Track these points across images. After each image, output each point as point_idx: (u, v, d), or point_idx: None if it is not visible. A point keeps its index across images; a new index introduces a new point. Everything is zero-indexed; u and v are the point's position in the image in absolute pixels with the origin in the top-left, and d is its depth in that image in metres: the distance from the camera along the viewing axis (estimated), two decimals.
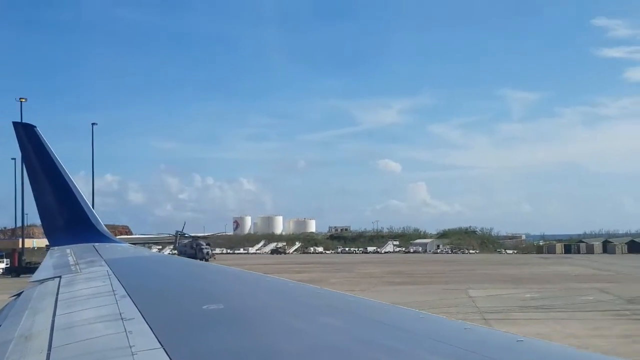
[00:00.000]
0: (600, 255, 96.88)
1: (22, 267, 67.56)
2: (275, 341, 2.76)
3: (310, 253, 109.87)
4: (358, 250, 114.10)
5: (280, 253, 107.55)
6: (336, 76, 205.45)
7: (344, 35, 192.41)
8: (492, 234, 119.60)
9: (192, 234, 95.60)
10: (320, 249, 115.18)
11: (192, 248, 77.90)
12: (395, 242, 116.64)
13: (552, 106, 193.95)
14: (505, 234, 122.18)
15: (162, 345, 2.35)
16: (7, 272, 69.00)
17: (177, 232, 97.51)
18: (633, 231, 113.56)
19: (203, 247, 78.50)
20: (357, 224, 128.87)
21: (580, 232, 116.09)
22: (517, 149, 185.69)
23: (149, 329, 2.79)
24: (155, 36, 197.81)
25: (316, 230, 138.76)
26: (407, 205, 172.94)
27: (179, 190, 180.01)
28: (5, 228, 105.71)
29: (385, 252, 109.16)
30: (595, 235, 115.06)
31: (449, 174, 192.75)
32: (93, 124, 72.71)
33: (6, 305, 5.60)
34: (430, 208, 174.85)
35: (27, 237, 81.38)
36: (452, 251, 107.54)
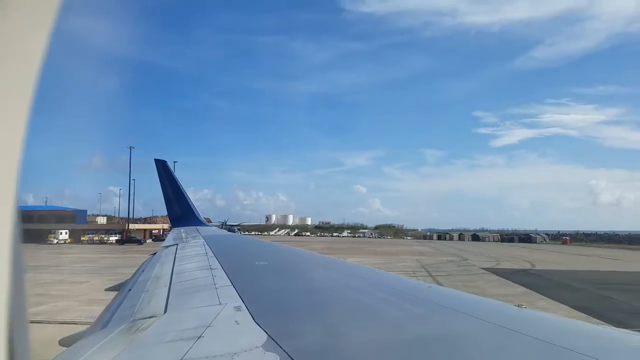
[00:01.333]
0: (460, 241, 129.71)
1: (126, 239, 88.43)
2: (311, 283, 3.81)
3: (302, 236, 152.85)
4: (329, 234, 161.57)
5: (289, 234, 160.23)
6: (333, 138, 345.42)
7: (337, 116, 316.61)
8: (403, 227, 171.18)
9: (233, 223, 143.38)
10: (308, 234, 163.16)
11: (228, 230, 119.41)
12: (348, 231, 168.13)
13: (450, 159, 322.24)
14: (411, 228, 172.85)
15: (231, 283, 3.37)
16: (118, 242, 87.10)
17: (223, 222, 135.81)
18: (493, 229, 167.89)
19: (232, 229, 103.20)
20: (337, 220, 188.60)
21: (461, 227, 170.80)
22: (430, 182, 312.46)
23: (225, 274, 3.93)
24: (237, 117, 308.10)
25: (311, 223, 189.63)
26: (369, 211, 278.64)
27: (243, 199, 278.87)
28: (119, 217, 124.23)
29: (342, 236, 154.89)
30: (469, 230, 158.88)
31: (392, 194, 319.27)
32: (175, 161, 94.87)
33: (147, 260, 6.98)
34: (381, 213, 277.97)
35: (131, 223, 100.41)
36: (377, 237, 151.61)
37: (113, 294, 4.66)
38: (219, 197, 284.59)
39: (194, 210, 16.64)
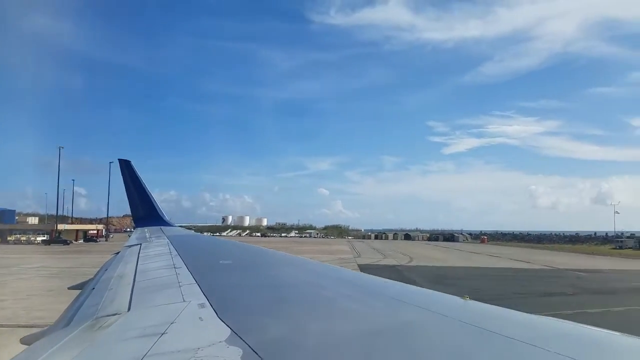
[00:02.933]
0: (393, 240, 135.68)
1: (54, 239, 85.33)
2: (274, 280, 3.69)
3: (252, 236, 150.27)
4: (278, 235, 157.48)
5: (240, 235, 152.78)
6: (298, 143, 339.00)
7: (303, 123, 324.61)
8: (349, 228, 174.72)
9: (183, 224, 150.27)
10: (258, 234, 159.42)
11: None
12: (296, 231, 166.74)
13: (406, 165, 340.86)
14: (355, 228, 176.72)
15: (196, 282, 3.21)
16: (44, 242, 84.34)
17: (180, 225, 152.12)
18: (443, 229, 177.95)
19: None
20: (294, 221, 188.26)
21: (404, 227, 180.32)
22: (387, 186, 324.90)
23: (189, 273, 3.70)
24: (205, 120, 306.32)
25: (267, 225, 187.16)
26: (331, 212, 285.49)
27: (209, 200, 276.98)
28: (48, 215, 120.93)
29: (289, 236, 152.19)
30: (409, 230, 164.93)
31: (353, 197, 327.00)
32: (110, 162, 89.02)
33: (110, 259, 6.71)
34: (343, 214, 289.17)
35: (59, 223, 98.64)
36: (322, 237, 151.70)
37: (76, 292, 4.44)
38: (184, 198, 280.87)
39: (158, 210, 15.90)
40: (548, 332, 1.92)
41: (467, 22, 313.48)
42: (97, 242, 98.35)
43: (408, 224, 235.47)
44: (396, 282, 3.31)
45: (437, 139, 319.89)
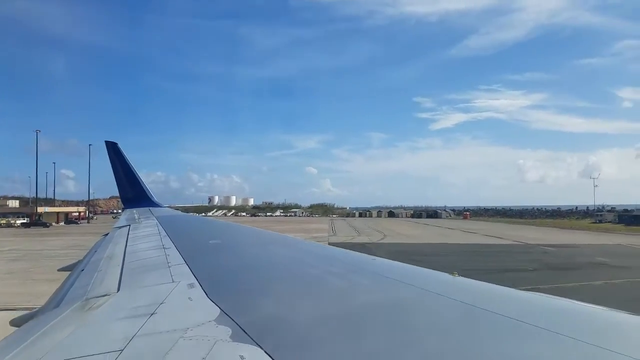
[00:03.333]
0: (377, 218, 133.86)
1: (34, 222, 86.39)
2: (263, 259, 3.71)
3: (237, 215, 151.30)
4: (263, 214, 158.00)
5: (225, 215, 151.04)
6: (284, 122, 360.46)
7: (287, 101, 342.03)
8: (334, 206, 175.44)
9: (174, 205, 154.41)
10: (244, 214, 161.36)
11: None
12: (281, 210, 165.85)
13: (394, 141, 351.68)
14: (341, 207, 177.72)
15: (185, 262, 3.24)
16: (24, 225, 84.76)
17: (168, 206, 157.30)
18: (429, 205, 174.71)
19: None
20: (281, 200, 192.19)
21: (392, 204, 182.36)
22: (375, 163, 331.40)
23: (178, 253, 3.73)
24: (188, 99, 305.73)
25: (253, 204, 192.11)
26: (320, 191, 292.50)
27: (197, 180, 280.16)
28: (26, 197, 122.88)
29: (274, 215, 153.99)
30: (394, 208, 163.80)
31: (341, 175, 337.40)
32: (90, 144, 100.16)
33: (99, 240, 6.75)
34: (331, 192, 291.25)
35: (39, 206, 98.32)
36: (306, 215, 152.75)
37: (66, 274, 4.40)
38: (173, 179, 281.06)
39: (147, 191, 15.78)
40: (537, 308, 1.91)
41: None
42: (78, 224, 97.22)
43: (397, 201, 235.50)
44: (385, 259, 3.27)
45: (424, 115, 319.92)
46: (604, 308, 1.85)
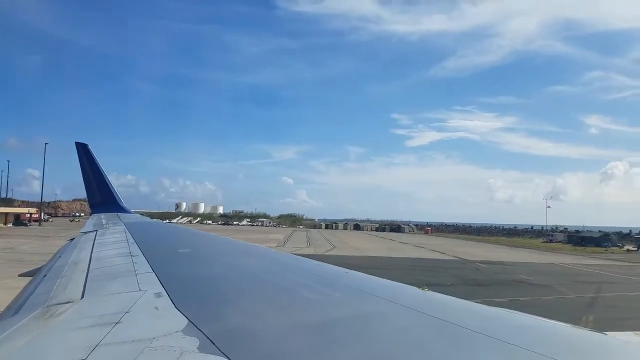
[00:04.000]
0: (342, 230, 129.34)
1: None
2: (233, 269, 3.67)
3: (203, 223, 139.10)
4: (230, 223, 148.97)
5: (190, 222, 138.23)
6: (263, 132, 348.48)
7: (268, 110, 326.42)
8: (304, 217, 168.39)
9: (139, 210, 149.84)
10: (210, 222, 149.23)
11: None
12: (248, 219, 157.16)
13: (370, 156, 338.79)
14: (310, 218, 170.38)
15: (152, 270, 3.16)
16: None
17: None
18: (401, 219, 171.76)
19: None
20: (251, 209, 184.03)
21: (365, 217, 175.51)
22: (351, 176, 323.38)
23: (146, 261, 3.65)
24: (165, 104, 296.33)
25: (222, 212, 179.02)
26: (296, 202, 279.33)
27: (169, 186, 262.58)
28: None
29: (241, 224, 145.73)
30: (361, 221, 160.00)
31: (317, 186, 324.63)
32: (46, 143, 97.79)
33: (64, 246, 6.52)
34: (307, 203, 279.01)
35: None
36: (274, 225, 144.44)
37: (27, 279, 4.20)
38: (143, 183, 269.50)
39: (116, 196, 15.18)
40: (505, 324, 1.92)
41: (432, 16, 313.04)
42: (27, 226, 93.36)
43: (371, 214, 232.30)
44: (357, 272, 3.23)
45: (400, 132, 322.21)
46: (566, 325, 1.92)
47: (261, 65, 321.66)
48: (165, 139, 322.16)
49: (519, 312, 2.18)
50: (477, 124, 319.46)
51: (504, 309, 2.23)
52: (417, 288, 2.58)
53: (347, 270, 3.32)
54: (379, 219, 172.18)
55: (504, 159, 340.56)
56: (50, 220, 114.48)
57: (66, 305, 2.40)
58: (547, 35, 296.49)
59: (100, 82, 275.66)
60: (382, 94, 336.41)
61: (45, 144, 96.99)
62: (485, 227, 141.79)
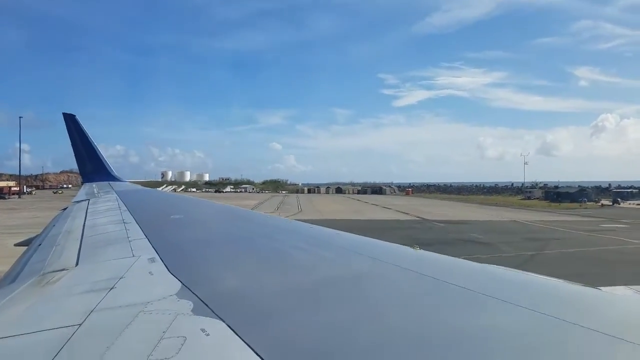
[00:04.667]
0: (325, 194, 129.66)
1: None
2: (226, 233, 3.69)
3: (187, 191, 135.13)
4: (213, 190, 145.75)
5: (175, 191, 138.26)
6: (248, 97, 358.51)
7: (251, 75, 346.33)
8: (287, 182, 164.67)
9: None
10: (194, 190, 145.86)
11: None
12: (231, 186, 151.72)
13: (357, 117, 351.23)
14: (293, 183, 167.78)
15: (145, 236, 3.20)
16: None
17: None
18: (392, 182, 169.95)
19: None
20: (237, 176, 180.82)
21: (356, 180, 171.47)
22: (340, 139, 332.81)
23: (139, 228, 3.67)
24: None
25: (207, 180, 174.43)
26: (285, 167, 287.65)
27: (158, 155, 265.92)
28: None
29: (224, 191, 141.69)
30: (343, 184, 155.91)
31: (306, 151, 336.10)
32: (20, 117, 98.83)
33: (57, 215, 6.58)
34: (296, 169, 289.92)
35: None
36: (257, 191, 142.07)
37: (22, 249, 4.17)
38: (132, 153, 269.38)
39: (106, 165, 15.25)
40: (499, 281, 1.96)
41: None
42: (6, 199, 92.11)
43: (363, 178, 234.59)
44: (348, 233, 3.24)
45: (388, 92, 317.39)
46: (562, 281, 1.94)
47: (242, 29, 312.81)
48: (152, 109, 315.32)
49: (515, 270, 2.20)
50: (465, 80, 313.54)
51: (499, 267, 2.26)
52: (409, 247, 2.64)
53: (338, 231, 3.34)
54: (370, 182, 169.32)
55: (494, 115, 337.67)
56: (33, 192, 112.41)
57: (61, 272, 2.43)
58: None
59: (79, 54, 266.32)
60: (368, 53, 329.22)
61: (20, 117, 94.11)
62: (466, 186, 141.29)
